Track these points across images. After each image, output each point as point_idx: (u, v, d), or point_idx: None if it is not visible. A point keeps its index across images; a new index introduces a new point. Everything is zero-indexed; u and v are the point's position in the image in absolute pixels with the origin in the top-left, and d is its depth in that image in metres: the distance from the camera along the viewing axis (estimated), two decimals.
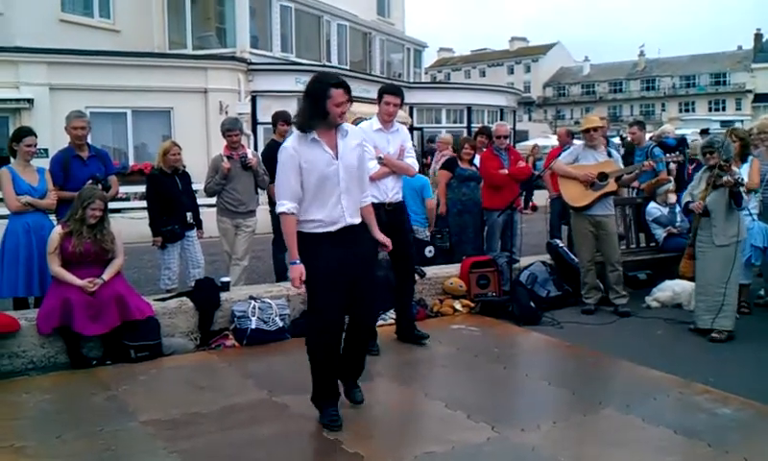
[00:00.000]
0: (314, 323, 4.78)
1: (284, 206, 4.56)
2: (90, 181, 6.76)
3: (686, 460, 4.29)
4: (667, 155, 8.69)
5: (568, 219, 10.13)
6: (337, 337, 4.73)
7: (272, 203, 8.82)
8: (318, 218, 4.59)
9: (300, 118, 4.64)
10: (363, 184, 4.90)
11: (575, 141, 10.99)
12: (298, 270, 4.51)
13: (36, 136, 6.80)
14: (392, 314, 7.09)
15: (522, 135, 40.90)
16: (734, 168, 6.95)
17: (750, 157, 7.55)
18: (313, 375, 4.79)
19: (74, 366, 6.01)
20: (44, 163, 7.09)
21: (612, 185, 7.75)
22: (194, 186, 8.08)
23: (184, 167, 7.83)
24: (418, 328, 6.79)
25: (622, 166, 8.08)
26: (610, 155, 8.00)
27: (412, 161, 6.59)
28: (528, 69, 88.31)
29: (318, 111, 4.55)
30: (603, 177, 7.72)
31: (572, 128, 14.45)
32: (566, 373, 6.11)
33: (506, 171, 9.00)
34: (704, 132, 15.72)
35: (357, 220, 4.75)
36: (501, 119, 26.39)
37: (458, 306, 7.86)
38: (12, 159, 6.82)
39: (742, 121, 29.39)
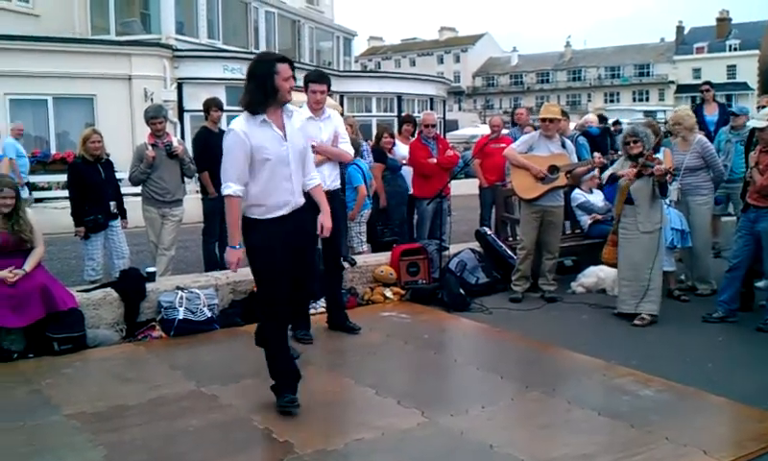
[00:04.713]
0: (267, 311, 4.67)
1: (230, 188, 4.41)
2: None
3: (610, 440, 4.39)
4: (596, 156, 8.71)
5: (498, 207, 10.29)
6: (287, 322, 4.72)
7: (204, 191, 8.70)
8: (269, 203, 4.48)
9: (247, 99, 4.49)
10: (308, 165, 4.83)
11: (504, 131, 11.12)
12: (236, 254, 4.45)
13: None
14: (322, 303, 7.07)
15: (453, 125, 41.28)
16: (659, 157, 7.06)
17: (662, 148, 7.71)
18: (270, 364, 4.71)
19: None
20: None
21: (561, 179, 7.73)
22: (118, 175, 7.91)
23: (108, 155, 7.66)
24: (350, 320, 6.78)
25: (576, 159, 8.12)
26: (564, 146, 7.94)
27: (347, 147, 6.58)
28: (458, 59, 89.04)
29: (267, 90, 4.43)
30: (554, 169, 7.70)
31: (504, 118, 14.63)
32: (495, 357, 6.19)
33: (435, 160, 9.04)
34: (616, 123, 16.19)
35: (302, 200, 4.68)
36: (431, 108, 26.55)
37: (388, 294, 7.89)
38: None
39: (665, 111, 30.18)
